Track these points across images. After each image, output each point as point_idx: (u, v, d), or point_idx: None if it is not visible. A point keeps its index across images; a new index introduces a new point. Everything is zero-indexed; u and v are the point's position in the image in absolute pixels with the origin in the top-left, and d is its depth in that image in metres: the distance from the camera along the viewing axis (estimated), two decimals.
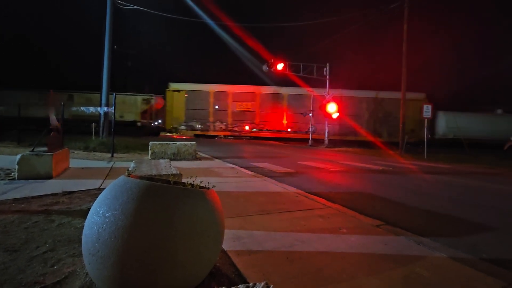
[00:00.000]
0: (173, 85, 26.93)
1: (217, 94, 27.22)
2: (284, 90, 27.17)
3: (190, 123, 26.79)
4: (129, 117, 24.46)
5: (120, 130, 14.84)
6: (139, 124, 25.01)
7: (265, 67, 19.36)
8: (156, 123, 27.41)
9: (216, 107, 27.24)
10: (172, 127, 26.72)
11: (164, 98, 26.80)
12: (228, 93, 27.27)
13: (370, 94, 27.39)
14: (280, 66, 19.05)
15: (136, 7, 14.03)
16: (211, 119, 27.14)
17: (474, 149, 17.80)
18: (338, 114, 19.03)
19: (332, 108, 18.80)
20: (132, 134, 20.28)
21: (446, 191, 5.43)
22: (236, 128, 27.25)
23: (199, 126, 26.87)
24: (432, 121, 24.56)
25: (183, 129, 26.61)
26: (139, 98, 25.39)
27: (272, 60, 19.06)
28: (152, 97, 25.83)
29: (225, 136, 27.03)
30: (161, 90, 27.72)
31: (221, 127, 27.14)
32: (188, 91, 26.93)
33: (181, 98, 26.80)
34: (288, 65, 19.51)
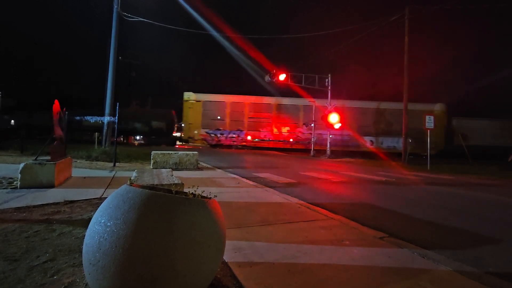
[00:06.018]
0: (189, 95, 27.21)
1: (233, 104, 27.38)
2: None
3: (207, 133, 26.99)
4: None
5: None
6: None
7: (267, 78, 19.53)
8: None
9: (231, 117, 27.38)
10: (188, 137, 26.99)
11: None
12: (245, 104, 27.49)
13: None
14: (282, 77, 19.09)
15: (142, 19, 14.31)
16: (227, 128, 27.27)
17: (478, 160, 17.64)
18: (340, 124, 18.85)
19: (334, 118, 18.55)
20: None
21: (450, 203, 5.36)
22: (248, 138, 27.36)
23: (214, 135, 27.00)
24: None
25: (199, 139, 26.85)
26: None
27: (275, 71, 19.21)
28: None
29: (241, 146, 26.98)
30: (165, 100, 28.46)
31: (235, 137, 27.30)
32: (204, 102, 27.21)
33: (198, 108, 27.01)
34: (290, 75, 19.65)
